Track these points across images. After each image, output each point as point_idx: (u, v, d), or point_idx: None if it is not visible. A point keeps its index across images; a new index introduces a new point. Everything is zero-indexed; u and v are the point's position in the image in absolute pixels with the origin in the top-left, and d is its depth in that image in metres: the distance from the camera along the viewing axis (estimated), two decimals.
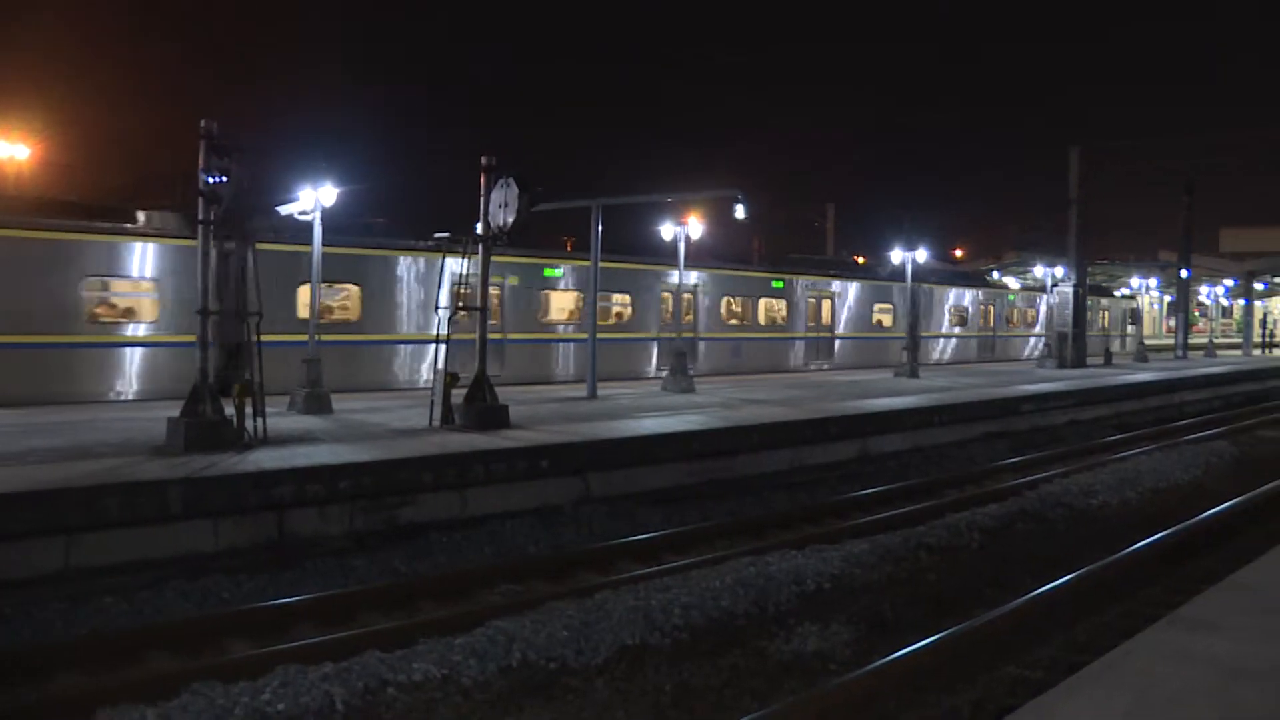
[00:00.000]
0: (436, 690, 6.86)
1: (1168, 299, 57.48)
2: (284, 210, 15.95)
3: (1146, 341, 45.07)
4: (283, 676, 6.75)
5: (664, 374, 22.25)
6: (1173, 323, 54.75)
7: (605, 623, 7.97)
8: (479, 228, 14.87)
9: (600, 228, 19.34)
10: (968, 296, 38.99)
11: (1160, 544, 10.67)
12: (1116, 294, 49.57)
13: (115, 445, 11.64)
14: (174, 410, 11.87)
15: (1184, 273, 45.25)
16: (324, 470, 10.65)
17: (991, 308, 40.53)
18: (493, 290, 22.50)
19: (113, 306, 17.88)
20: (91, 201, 19.75)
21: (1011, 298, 41.75)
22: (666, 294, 26.10)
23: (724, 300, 28.39)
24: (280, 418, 13.77)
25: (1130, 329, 48.87)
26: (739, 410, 17.16)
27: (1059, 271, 34.99)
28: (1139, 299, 52.32)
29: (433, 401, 14.43)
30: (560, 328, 24.29)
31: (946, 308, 37.61)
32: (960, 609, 8.63)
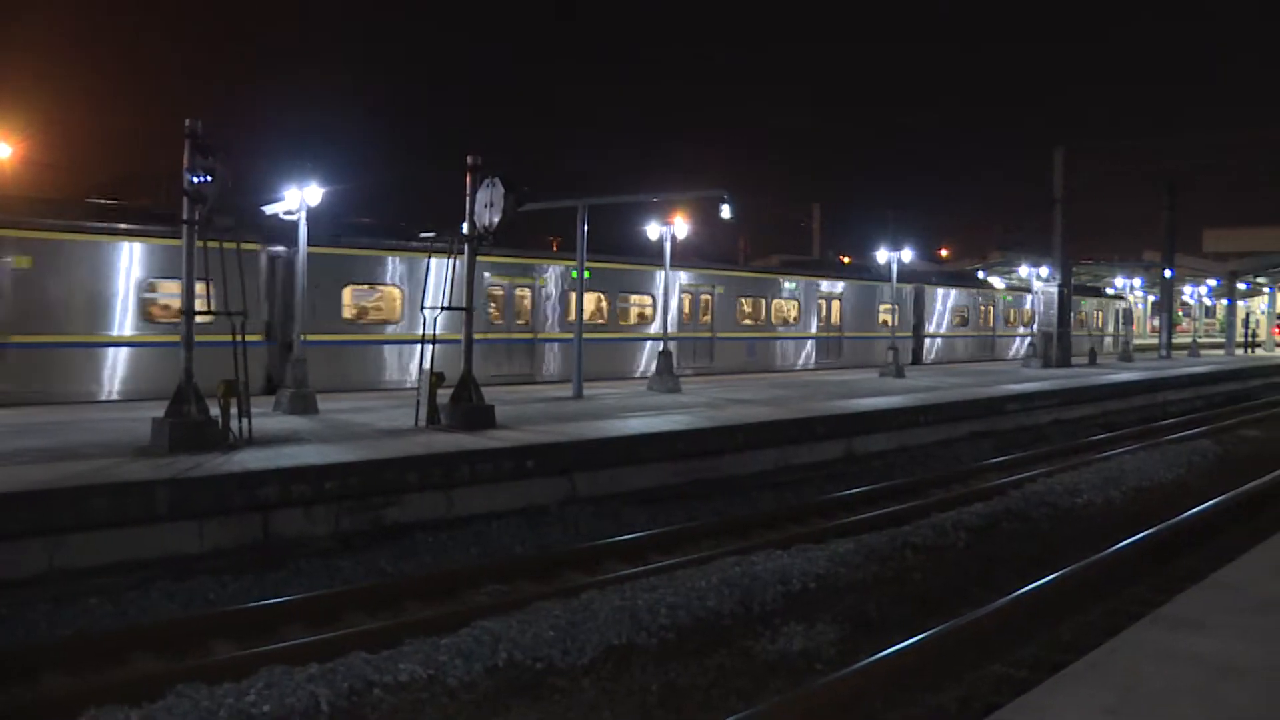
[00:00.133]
0: (422, 691, 6.84)
1: (1151, 299, 57.70)
2: (268, 210, 15.89)
3: (1131, 341, 45.37)
4: (268, 677, 6.72)
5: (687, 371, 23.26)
6: (1156, 322, 55.05)
7: (592, 623, 7.97)
8: (464, 227, 14.85)
9: (585, 227, 19.38)
10: (966, 298, 39.46)
11: (1144, 543, 10.73)
12: (1110, 294, 49.84)
13: (102, 446, 11.58)
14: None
15: (1168, 273, 45.54)
16: (309, 470, 10.61)
17: (992, 308, 40.98)
18: (523, 292, 23.07)
19: (166, 308, 17.71)
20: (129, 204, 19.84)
21: (1009, 298, 42.02)
22: (686, 295, 27.47)
23: (739, 301, 29.37)
24: (265, 418, 13.72)
25: (1123, 329, 49.18)
26: (725, 410, 17.18)
27: (1044, 271, 35.16)
28: (1130, 299, 52.59)
29: (419, 402, 14.39)
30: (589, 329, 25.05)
31: (947, 308, 38.13)
32: (946, 608, 8.66)
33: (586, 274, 23.26)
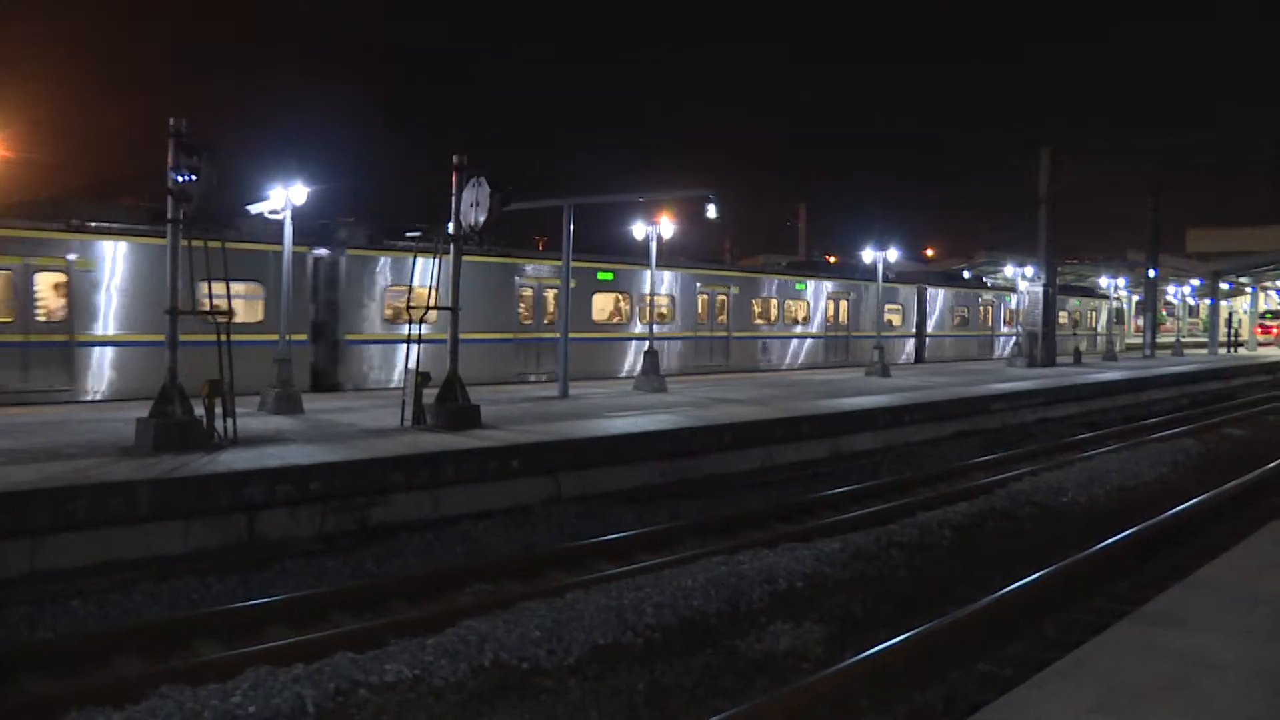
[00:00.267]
0: (408, 691, 6.82)
1: (1135, 298, 57.96)
2: (253, 209, 15.84)
3: (1116, 340, 45.63)
4: (253, 678, 6.69)
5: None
6: (1140, 322, 55.33)
7: (577, 622, 7.96)
8: (450, 227, 14.83)
9: (572, 226, 19.36)
10: (961, 298, 39.84)
11: (1128, 541, 10.78)
12: (1098, 294, 50.10)
13: (84, 446, 11.52)
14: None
15: (1151, 272, 45.77)
16: (295, 471, 10.58)
17: (991, 308, 41.38)
18: (552, 292, 23.58)
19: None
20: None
21: (1008, 298, 42.31)
22: (703, 296, 28.00)
23: (752, 301, 29.84)
24: (250, 418, 13.67)
25: (1115, 328, 49.46)
26: (710, 409, 17.19)
27: (1029, 271, 35.32)
28: (1121, 299, 52.83)
29: (404, 401, 14.35)
30: (610, 327, 25.73)
31: (943, 308, 38.48)
32: (931, 607, 8.68)
33: (609, 276, 23.81)
